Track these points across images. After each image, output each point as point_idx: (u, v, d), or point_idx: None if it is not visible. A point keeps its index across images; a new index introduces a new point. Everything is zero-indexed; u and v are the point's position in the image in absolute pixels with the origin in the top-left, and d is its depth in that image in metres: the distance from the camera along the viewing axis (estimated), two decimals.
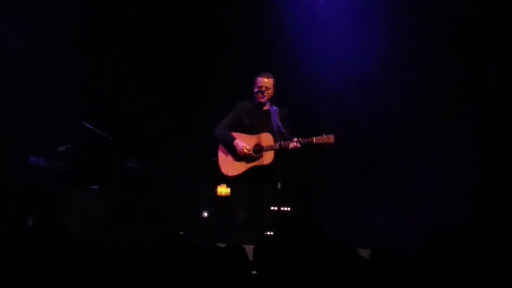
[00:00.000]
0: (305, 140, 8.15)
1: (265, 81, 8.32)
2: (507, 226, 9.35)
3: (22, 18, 10.20)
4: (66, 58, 10.27)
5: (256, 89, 8.33)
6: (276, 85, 8.40)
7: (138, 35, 10.58)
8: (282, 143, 8.14)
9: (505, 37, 9.78)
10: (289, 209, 9.50)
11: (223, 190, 9.10)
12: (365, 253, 4.69)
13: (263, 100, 8.29)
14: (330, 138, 8.16)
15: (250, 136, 8.32)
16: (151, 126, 10.58)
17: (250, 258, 4.27)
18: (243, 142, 8.25)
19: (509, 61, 9.77)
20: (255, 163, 8.27)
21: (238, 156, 8.26)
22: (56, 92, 10.11)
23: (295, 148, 8.11)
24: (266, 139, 8.27)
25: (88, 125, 9.40)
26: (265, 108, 8.39)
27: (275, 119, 8.27)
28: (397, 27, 10.17)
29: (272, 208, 8.60)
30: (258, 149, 8.26)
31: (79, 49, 10.37)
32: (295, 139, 8.10)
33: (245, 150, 8.22)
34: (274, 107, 8.38)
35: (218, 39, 10.63)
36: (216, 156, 8.41)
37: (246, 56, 10.31)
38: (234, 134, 8.33)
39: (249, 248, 4.36)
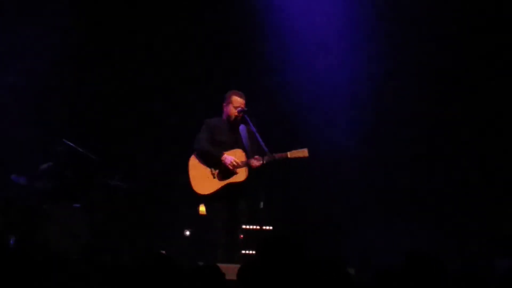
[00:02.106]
0: (280, 155, 8.11)
1: (242, 101, 8.30)
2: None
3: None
4: (48, 76, 10.25)
5: (231, 107, 8.28)
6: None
7: (120, 55, 10.60)
8: (258, 158, 8.09)
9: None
10: (271, 228, 9.51)
11: (204, 209, 9.06)
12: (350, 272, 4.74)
13: (239, 116, 8.26)
14: (304, 152, 8.15)
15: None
16: (134, 145, 10.59)
17: (228, 276, 4.29)
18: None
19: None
20: (230, 180, 8.20)
21: (215, 173, 8.21)
22: (38, 110, 10.11)
23: (269, 163, 8.06)
24: (238, 155, 8.25)
25: (70, 143, 9.39)
26: (234, 124, 8.36)
27: (244, 135, 8.28)
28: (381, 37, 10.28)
29: (252, 227, 8.61)
30: (239, 165, 8.23)
31: (62, 67, 10.36)
32: (270, 153, 8.01)
33: (234, 163, 8.16)
34: (241, 125, 8.37)
35: (197, 59, 10.70)
36: (186, 174, 8.26)
37: (227, 77, 10.34)
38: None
39: (225, 267, 4.38)
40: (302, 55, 10.49)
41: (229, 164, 8.15)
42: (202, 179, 8.22)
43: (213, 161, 8.23)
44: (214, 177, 8.22)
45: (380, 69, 10.32)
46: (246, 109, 8.25)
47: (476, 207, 9.90)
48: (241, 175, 8.21)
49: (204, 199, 8.37)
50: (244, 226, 8.48)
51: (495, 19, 9.91)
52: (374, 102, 10.37)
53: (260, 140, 8.00)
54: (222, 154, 8.19)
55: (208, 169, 8.23)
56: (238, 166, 8.20)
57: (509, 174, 9.87)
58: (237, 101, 8.31)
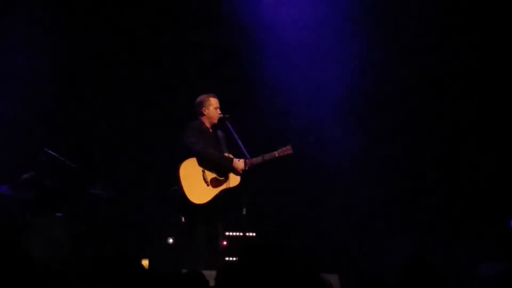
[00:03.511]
0: (268, 156, 8.14)
1: (217, 101, 8.33)
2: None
3: None
4: (30, 85, 10.22)
5: (212, 109, 8.27)
6: None
7: (102, 63, 10.58)
8: (251, 160, 8.07)
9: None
10: (254, 234, 9.51)
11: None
12: (332, 278, 4.74)
13: (219, 120, 8.26)
14: (288, 149, 8.17)
15: None
16: (115, 153, 10.57)
17: (212, 283, 4.28)
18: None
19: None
20: (223, 186, 8.15)
21: (209, 181, 8.12)
22: (19, 119, 10.07)
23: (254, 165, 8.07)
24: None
25: (52, 153, 9.35)
26: (214, 130, 8.36)
27: (222, 140, 8.29)
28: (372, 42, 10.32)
29: (235, 233, 8.59)
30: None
31: (42, 76, 10.32)
32: (251, 159, 8.03)
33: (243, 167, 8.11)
34: (218, 130, 8.36)
35: (177, 67, 10.69)
36: (178, 184, 8.05)
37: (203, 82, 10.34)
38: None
39: (209, 274, 4.38)
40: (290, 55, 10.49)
41: (241, 169, 8.09)
42: (197, 188, 8.06)
43: (218, 166, 8.12)
44: (208, 185, 8.11)
45: (373, 71, 10.34)
46: (228, 115, 8.25)
47: (461, 212, 9.94)
48: (233, 180, 8.16)
49: (201, 208, 8.09)
50: (227, 233, 8.46)
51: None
52: (364, 106, 10.37)
53: (242, 145, 7.99)
54: (232, 159, 8.11)
55: (201, 177, 8.08)
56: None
57: (496, 178, 9.92)
58: (215, 102, 8.31)
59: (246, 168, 8.07)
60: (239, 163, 8.08)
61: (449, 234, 9.82)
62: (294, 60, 10.44)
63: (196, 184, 8.05)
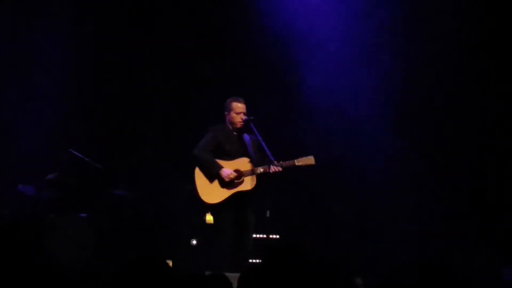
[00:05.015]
0: (287, 163, 8.10)
1: (243, 106, 8.31)
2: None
3: None
4: (55, 86, 10.26)
5: (234, 114, 8.29)
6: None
7: (125, 66, 10.60)
8: (263, 167, 8.07)
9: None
10: (277, 236, 9.48)
11: (211, 218, 9.02)
12: (356, 281, 4.70)
13: (241, 125, 8.27)
14: (310, 160, 8.13)
15: (228, 162, 8.24)
16: (139, 153, 10.58)
17: (235, 286, 4.26)
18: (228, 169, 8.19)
19: None
20: (237, 189, 8.16)
21: (221, 182, 8.15)
22: (44, 119, 10.11)
23: (277, 172, 8.07)
24: (244, 164, 8.22)
25: (76, 153, 9.38)
26: (239, 133, 8.36)
27: (249, 143, 8.27)
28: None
29: (258, 236, 8.57)
30: (239, 175, 8.20)
31: (68, 76, 10.35)
32: (276, 162, 8.03)
33: (230, 176, 8.13)
34: (245, 133, 8.36)
35: (200, 69, 10.69)
36: (193, 183, 8.23)
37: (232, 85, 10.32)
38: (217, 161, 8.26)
39: (233, 276, 4.35)
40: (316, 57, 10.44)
41: (225, 177, 8.11)
42: (210, 188, 8.17)
43: (210, 172, 8.19)
44: (222, 186, 8.16)
45: (397, 74, 10.28)
46: (252, 117, 8.24)
47: (486, 214, 9.85)
48: (247, 183, 8.16)
49: (212, 208, 8.31)
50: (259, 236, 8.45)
51: None
52: (383, 110, 10.31)
53: (266, 148, 7.99)
54: (220, 167, 8.14)
55: (216, 178, 8.18)
56: (240, 176, 8.17)
57: None
58: (238, 107, 8.30)
59: (270, 172, 8.04)
60: (224, 172, 8.09)
61: (473, 236, 9.73)
62: (331, 63, 10.39)
63: (209, 184, 8.17)
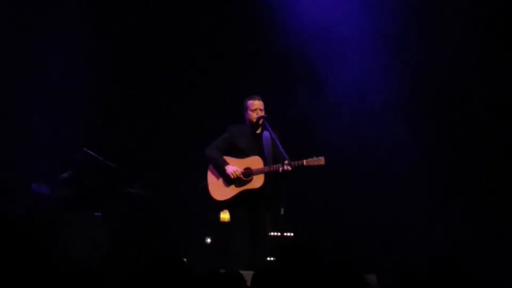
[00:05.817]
0: (296, 162, 8.08)
1: (259, 103, 8.34)
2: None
3: None
4: (70, 85, 10.29)
5: (250, 112, 8.33)
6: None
7: (138, 65, 10.62)
8: (272, 166, 8.10)
9: None
10: (292, 234, 9.47)
11: (226, 216, 9.02)
12: (371, 278, 4.69)
13: (259, 121, 8.30)
14: (321, 160, 8.10)
15: (240, 160, 8.28)
16: (154, 152, 10.60)
17: (249, 283, 4.25)
18: (235, 166, 8.22)
19: None
20: (245, 186, 8.19)
21: (229, 179, 8.20)
22: (58, 118, 10.13)
23: (286, 171, 8.06)
24: (256, 162, 8.23)
25: (90, 152, 9.40)
26: (258, 131, 8.38)
27: (267, 142, 8.27)
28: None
29: (273, 233, 8.56)
30: (248, 173, 8.22)
31: (81, 76, 10.38)
32: (286, 161, 8.03)
33: (236, 173, 8.17)
34: (265, 131, 8.36)
35: (218, 67, 10.69)
36: (206, 179, 8.35)
37: (248, 82, 10.32)
38: (225, 158, 8.29)
39: (248, 274, 4.35)
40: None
41: (230, 174, 8.17)
42: (219, 185, 8.27)
43: (218, 170, 8.28)
44: (229, 183, 8.22)
45: (409, 75, 10.25)
46: (266, 115, 8.25)
47: (502, 213, 9.79)
48: (256, 182, 8.18)
49: (224, 206, 8.38)
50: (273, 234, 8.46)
51: None
52: (398, 109, 10.27)
53: (280, 146, 7.99)
54: (226, 164, 8.20)
55: (223, 175, 8.26)
56: (248, 174, 8.19)
57: None
58: (253, 104, 8.33)
59: (280, 170, 8.04)
60: (229, 168, 8.17)
61: (488, 235, 9.68)
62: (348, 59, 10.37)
63: (219, 181, 8.28)
